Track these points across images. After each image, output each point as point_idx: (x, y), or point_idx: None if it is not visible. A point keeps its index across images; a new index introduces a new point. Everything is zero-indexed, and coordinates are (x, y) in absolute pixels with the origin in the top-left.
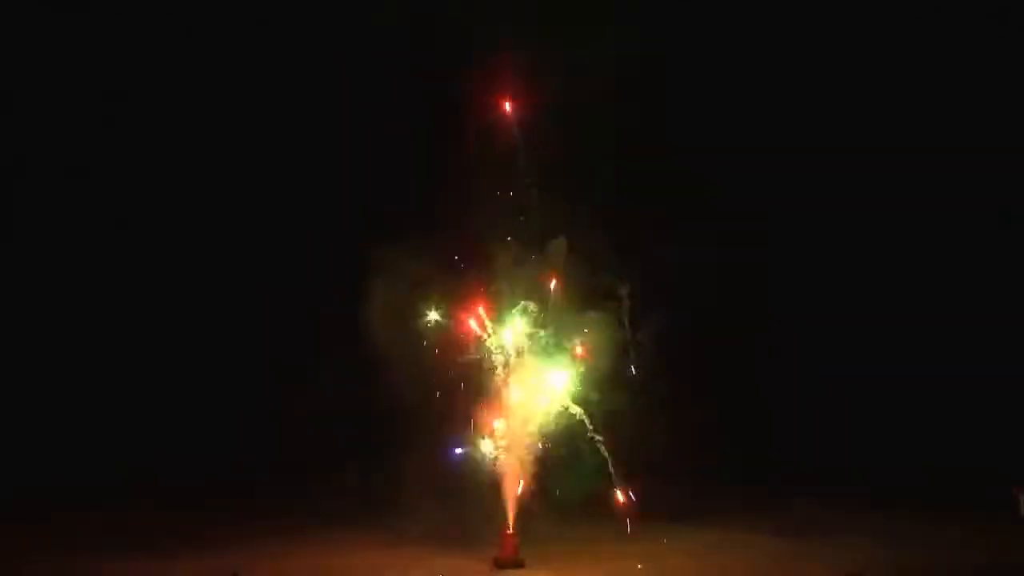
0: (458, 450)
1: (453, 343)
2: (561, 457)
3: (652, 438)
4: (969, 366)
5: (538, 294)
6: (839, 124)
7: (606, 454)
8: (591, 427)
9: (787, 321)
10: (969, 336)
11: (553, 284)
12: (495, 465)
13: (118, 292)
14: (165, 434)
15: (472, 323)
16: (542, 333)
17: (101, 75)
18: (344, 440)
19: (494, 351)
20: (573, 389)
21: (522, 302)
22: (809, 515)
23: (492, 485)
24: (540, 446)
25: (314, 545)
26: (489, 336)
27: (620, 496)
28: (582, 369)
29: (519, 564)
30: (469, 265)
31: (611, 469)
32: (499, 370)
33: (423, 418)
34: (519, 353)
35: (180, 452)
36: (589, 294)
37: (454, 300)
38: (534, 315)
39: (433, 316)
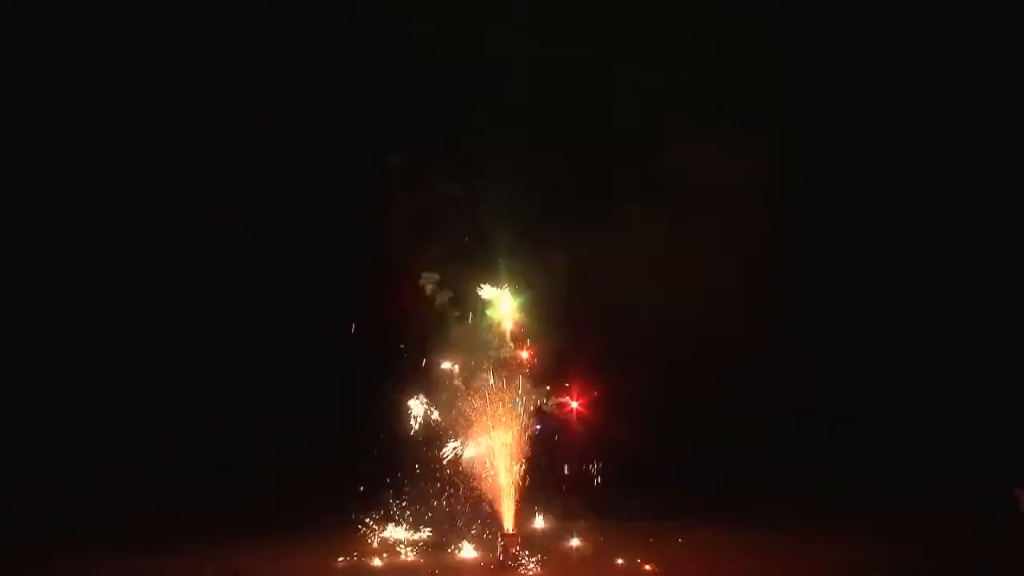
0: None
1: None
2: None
3: (650, 438)
4: (969, 365)
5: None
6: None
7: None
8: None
9: (786, 320)
10: (969, 334)
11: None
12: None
13: (117, 291)
14: (164, 434)
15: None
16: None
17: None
18: (343, 439)
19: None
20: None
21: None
22: (809, 515)
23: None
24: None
25: (314, 545)
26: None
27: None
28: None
29: (520, 564)
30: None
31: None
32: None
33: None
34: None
35: (179, 452)
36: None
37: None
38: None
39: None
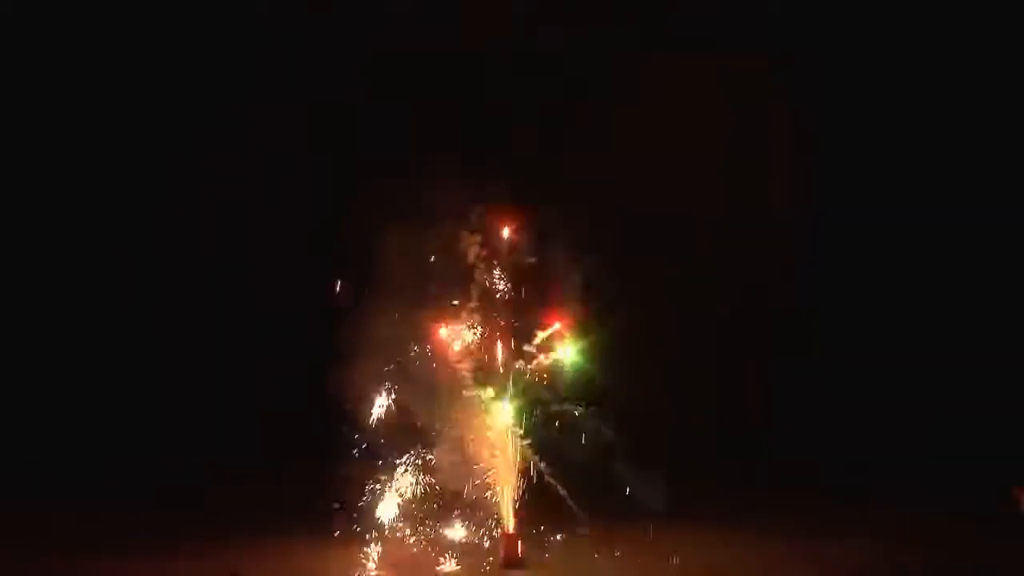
0: None
1: None
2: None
3: (648, 435)
4: (969, 364)
5: None
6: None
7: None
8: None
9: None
10: (969, 333)
11: None
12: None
13: (116, 290)
14: (164, 433)
15: None
16: None
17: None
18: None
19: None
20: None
21: None
22: (809, 515)
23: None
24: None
25: (315, 545)
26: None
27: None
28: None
29: (520, 565)
30: None
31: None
32: None
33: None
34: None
35: (179, 452)
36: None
37: None
38: None
39: None
